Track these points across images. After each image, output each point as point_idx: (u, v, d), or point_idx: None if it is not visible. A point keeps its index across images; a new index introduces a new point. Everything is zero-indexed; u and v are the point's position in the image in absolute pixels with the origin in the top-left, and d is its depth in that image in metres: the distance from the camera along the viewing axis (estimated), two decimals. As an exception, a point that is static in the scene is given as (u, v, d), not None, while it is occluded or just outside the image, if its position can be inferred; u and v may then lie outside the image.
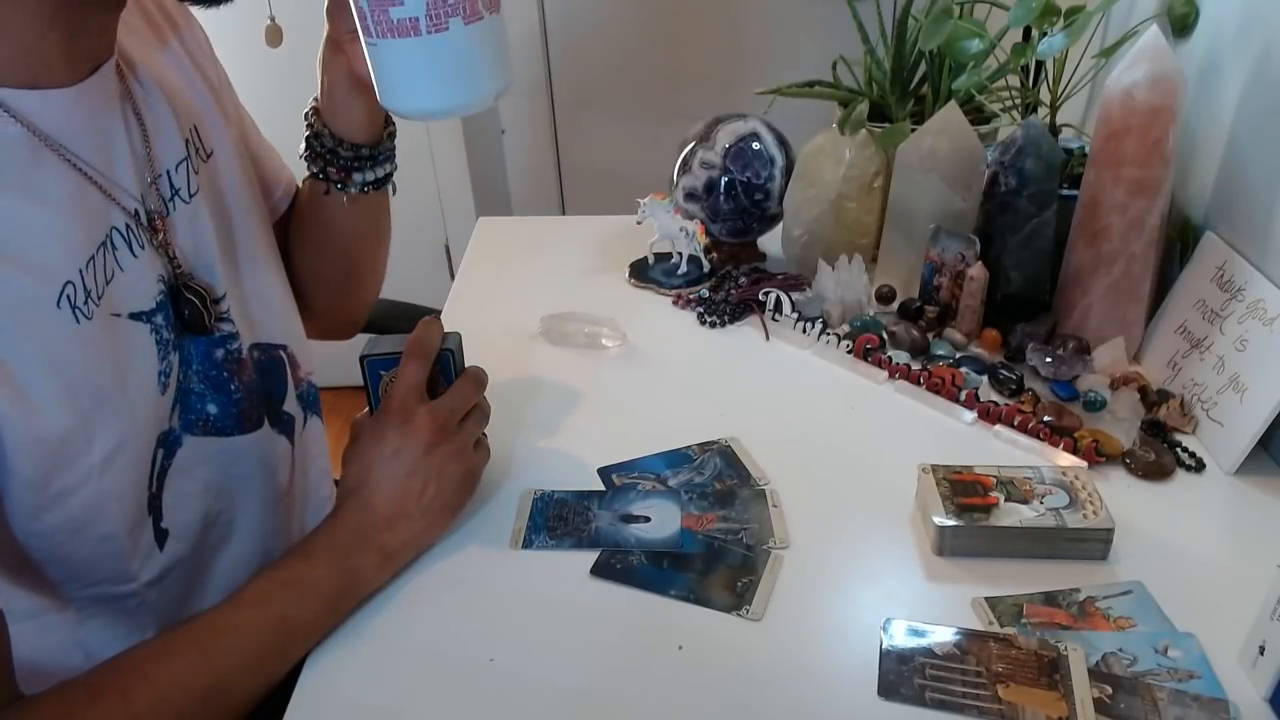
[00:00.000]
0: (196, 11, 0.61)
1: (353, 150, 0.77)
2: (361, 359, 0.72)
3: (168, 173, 0.67)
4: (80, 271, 0.57)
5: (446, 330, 0.73)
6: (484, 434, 0.74)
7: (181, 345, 0.67)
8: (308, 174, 0.78)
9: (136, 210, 0.63)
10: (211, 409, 0.69)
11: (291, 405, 0.80)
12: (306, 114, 0.77)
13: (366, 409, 0.72)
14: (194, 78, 0.75)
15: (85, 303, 0.57)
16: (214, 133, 0.74)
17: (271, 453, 0.77)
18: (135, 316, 0.62)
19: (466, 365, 0.74)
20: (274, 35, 1.04)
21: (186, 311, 0.65)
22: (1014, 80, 1.02)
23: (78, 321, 0.57)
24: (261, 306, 0.77)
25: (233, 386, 0.71)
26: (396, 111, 0.64)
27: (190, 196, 0.68)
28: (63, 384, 0.56)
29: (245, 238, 0.76)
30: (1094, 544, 0.66)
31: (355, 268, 0.89)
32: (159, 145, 0.66)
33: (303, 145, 0.77)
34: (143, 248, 0.63)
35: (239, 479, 0.74)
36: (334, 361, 1.01)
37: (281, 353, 0.79)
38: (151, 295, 0.63)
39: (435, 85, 0.61)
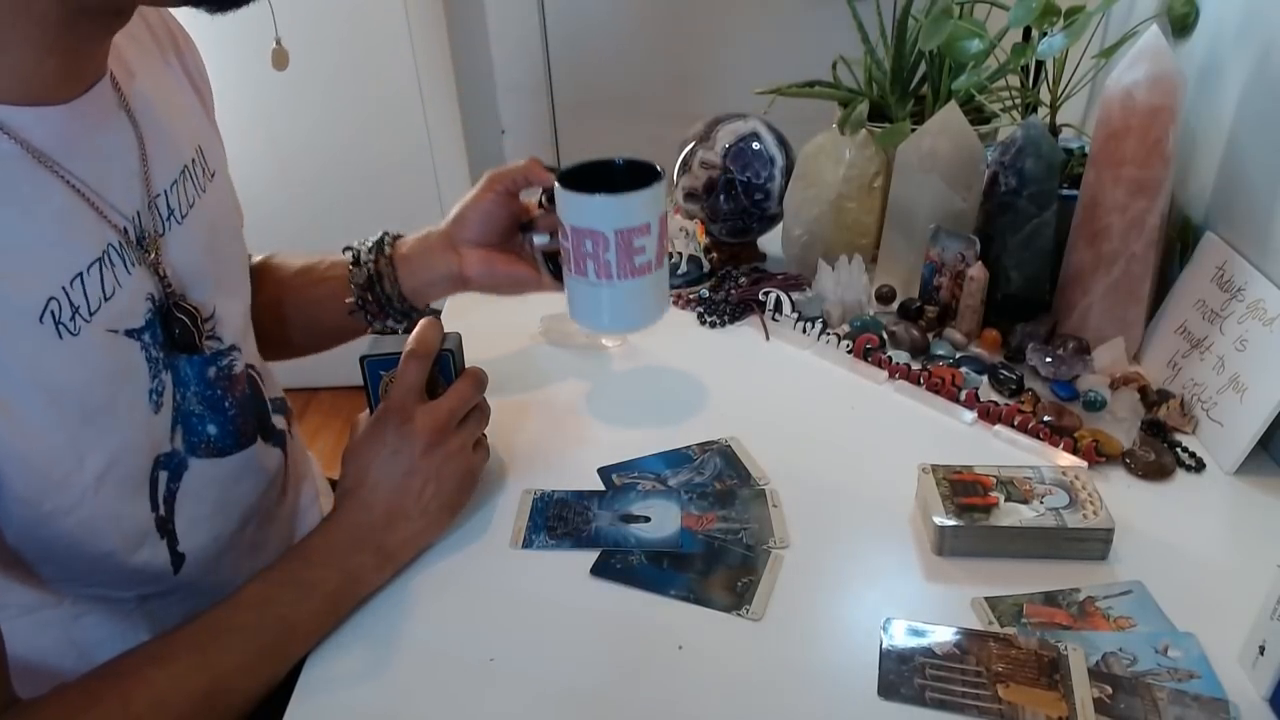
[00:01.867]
0: (202, 14, 0.61)
1: (403, 305, 0.86)
2: (361, 359, 0.72)
3: (165, 192, 0.67)
4: (64, 288, 0.56)
5: (446, 330, 0.73)
6: (484, 434, 0.74)
7: (176, 365, 0.66)
8: (350, 296, 0.83)
9: (126, 228, 0.62)
10: (211, 429, 0.69)
11: (277, 419, 0.81)
12: (378, 248, 0.84)
13: (366, 409, 0.72)
14: (193, 99, 0.76)
15: (72, 318, 0.57)
16: (214, 155, 0.75)
17: (266, 467, 0.77)
18: (128, 334, 0.62)
19: (466, 365, 0.74)
20: (280, 58, 1.05)
21: (177, 330, 0.65)
22: (1014, 80, 1.02)
23: (60, 337, 0.56)
24: (244, 326, 0.77)
25: (227, 404, 0.71)
26: (598, 330, 0.82)
27: (184, 216, 0.68)
28: (47, 399, 0.55)
29: (232, 257, 0.77)
30: (1094, 544, 0.66)
31: (336, 338, 0.94)
32: (157, 163, 0.66)
33: (359, 273, 0.85)
34: (135, 264, 0.62)
35: (241, 496, 0.74)
36: (334, 362, 1.01)
37: (254, 371, 0.79)
38: (141, 313, 0.63)
39: (645, 311, 0.81)
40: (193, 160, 0.71)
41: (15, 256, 0.54)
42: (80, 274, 0.58)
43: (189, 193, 0.69)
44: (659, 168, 0.78)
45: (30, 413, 0.54)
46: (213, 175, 0.74)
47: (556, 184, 0.77)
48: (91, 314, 0.58)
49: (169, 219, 0.67)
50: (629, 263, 0.75)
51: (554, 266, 0.84)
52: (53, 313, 0.56)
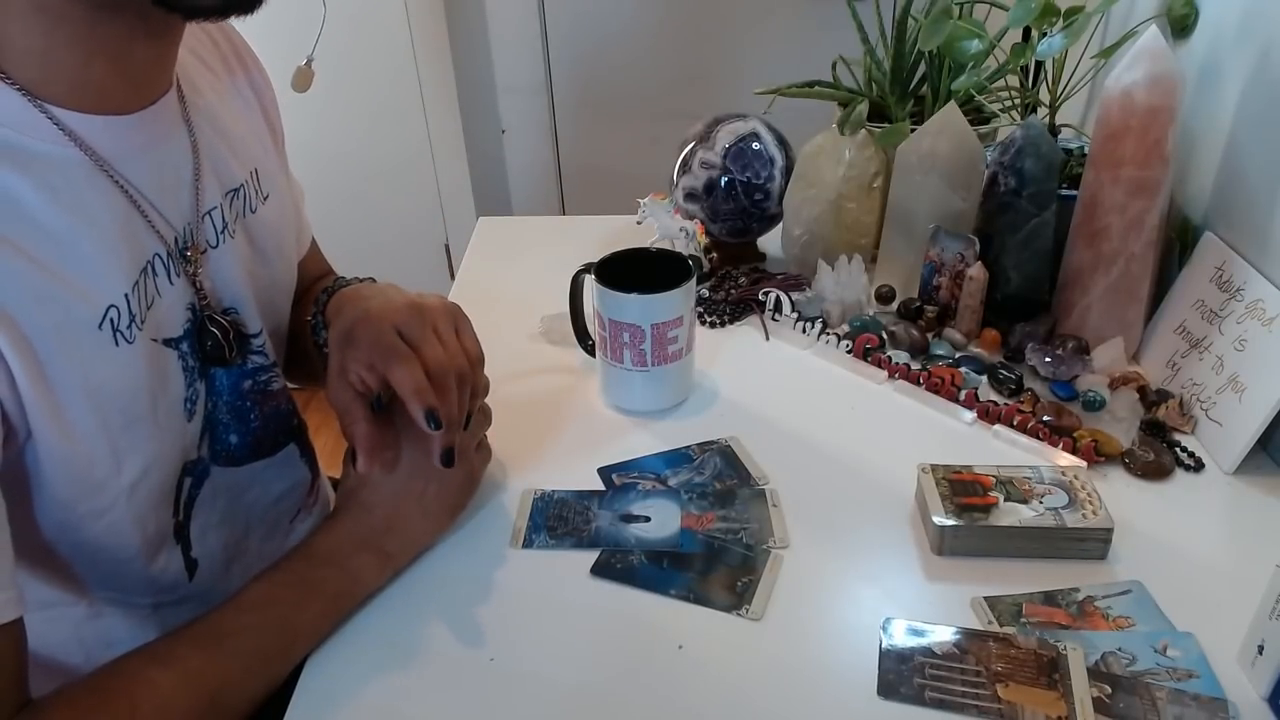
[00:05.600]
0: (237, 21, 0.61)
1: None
2: None
3: (220, 207, 0.68)
4: (126, 296, 0.58)
5: None
6: (484, 435, 0.74)
7: (211, 375, 0.67)
8: (309, 315, 0.78)
9: (176, 239, 0.63)
10: (233, 439, 0.71)
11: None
12: (318, 312, 0.76)
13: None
14: (259, 121, 0.77)
15: (129, 327, 0.58)
16: (272, 177, 0.76)
17: (278, 480, 0.78)
18: (167, 343, 0.63)
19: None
20: (303, 79, 0.96)
21: (209, 343, 0.66)
22: (1014, 80, 1.02)
23: (116, 345, 0.57)
24: (281, 346, 0.78)
25: (252, 416, 0.72)
26: (629, 410, 0.85)
27: (233, 234, 0.69)
28: (94, 405, 0.56)
29: (284, 279, 0.77)
30: (1093, 543, 0.66)
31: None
32: (210, 181, 0.67)
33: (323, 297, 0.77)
34: (178, 276, 0.63)
35: (247, 506, 0.75)
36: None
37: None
38: (180, 323, 0.64)
39: (675, 392, 0.86)
40: (245, 182, 0.71)
41: (80, 265, 0.55)
42: (137, 282, 0.59)
43: (237, 212, 0.70)
44: (690, 263, 0.82)
45: (78, 418, 0.56)
46: (266, 198, 0.74)
47: (595, 280, 0.81)
48: (143, 323, 0.59)
49: (222, 233, 0.68)
50: (663, 351, 0.81)
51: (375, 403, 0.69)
52: (112, 320, 0.57)
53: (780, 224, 1.07)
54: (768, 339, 0.97)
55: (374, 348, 0.64)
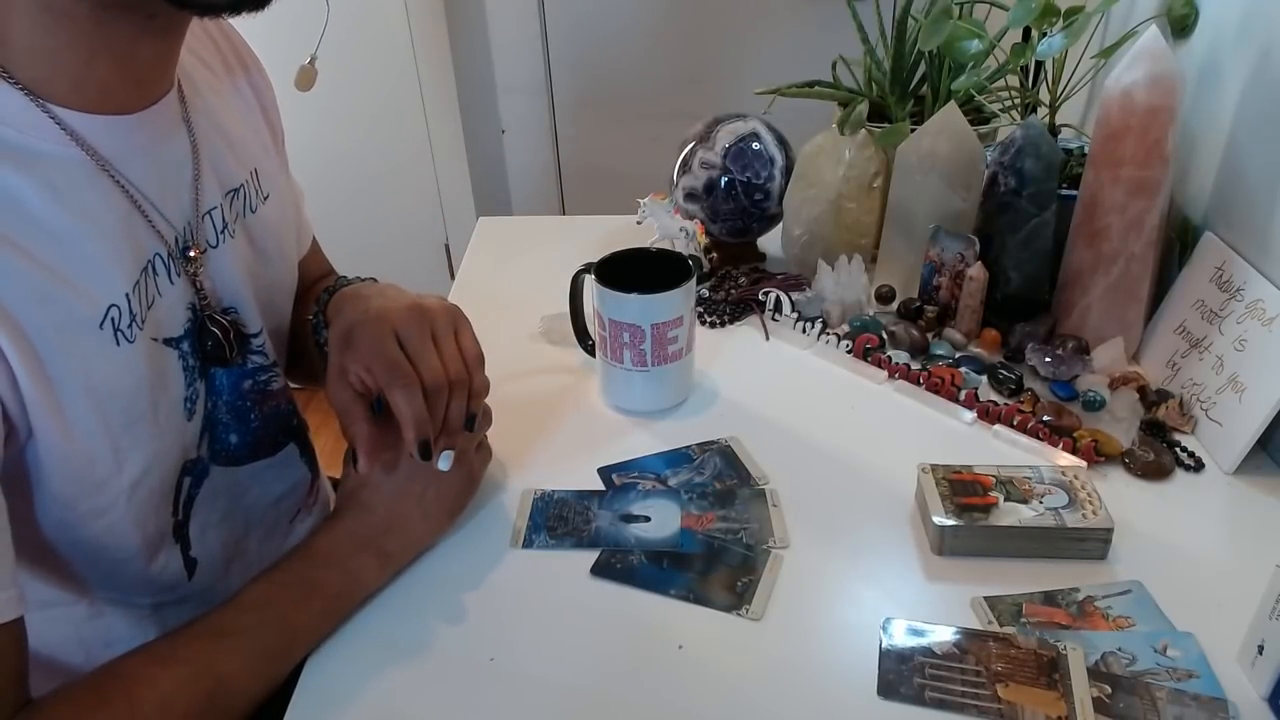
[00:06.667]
0: (239, 22, 0.61)
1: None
2: None
3: (220, 207, 0.68)
4: (127, 295, 0.58)
5: None
6: (484, 435, 0.74)
7: (211, 375, 0.67)
8: (310, 314, 0.79)
9: (176, 239, 0.64)
10: (233, 439, 0.71)
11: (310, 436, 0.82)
12: (319, 311, 0.77)
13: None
14: (258, 121, 0.77)
15: (129, 326, 0.58)
16: (272, 177, 0.76)
17: (278, 481, 0.78)
18: (167, 342, 0.63)
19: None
20: (306, 78, 0.96)
21: (209, 343, 0.66)
22: (1014, 80, 1.02)
23: (118, 344, 0.57)
24: (281, 346, 0.78)
25: (252, 416, 0.72)
26: (629, 410, 0.85)
27: (234, 234, 0.69)
28: (95, 404, 0.56)
29: (284, 278, 0.77)
30: (1093, 543, 0.66)
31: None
32: (210, 181, 0.67)
33: (325, 297, 0.77)
34: (179, 275, 0.64)
35: (247, 506, 0.75)
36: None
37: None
38: (180, 323, 0.64)
39: (675, 392, 0.86)
40: (245, 181, 0.72)
41: (81, 264, 0.55)
42: (138, 282, 0.59)
43: (238, 212, 0.70)
44: (690, 263, 0.82)
45: (78, 417, 0.56)
46: (266, 198, 0.74)
47: (595, 280, 0.81)
48: (143, 323, 0.59)
49: (222, 233, 0.68)
50: (663, 351, 0.81)
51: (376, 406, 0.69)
52: (113, 320, 0.57)
53: (780, 224, 1.07)
54: (768, 339, 0.97)
55: (374, 354, 0.64)
